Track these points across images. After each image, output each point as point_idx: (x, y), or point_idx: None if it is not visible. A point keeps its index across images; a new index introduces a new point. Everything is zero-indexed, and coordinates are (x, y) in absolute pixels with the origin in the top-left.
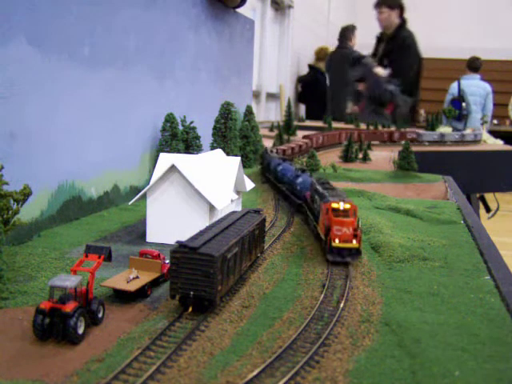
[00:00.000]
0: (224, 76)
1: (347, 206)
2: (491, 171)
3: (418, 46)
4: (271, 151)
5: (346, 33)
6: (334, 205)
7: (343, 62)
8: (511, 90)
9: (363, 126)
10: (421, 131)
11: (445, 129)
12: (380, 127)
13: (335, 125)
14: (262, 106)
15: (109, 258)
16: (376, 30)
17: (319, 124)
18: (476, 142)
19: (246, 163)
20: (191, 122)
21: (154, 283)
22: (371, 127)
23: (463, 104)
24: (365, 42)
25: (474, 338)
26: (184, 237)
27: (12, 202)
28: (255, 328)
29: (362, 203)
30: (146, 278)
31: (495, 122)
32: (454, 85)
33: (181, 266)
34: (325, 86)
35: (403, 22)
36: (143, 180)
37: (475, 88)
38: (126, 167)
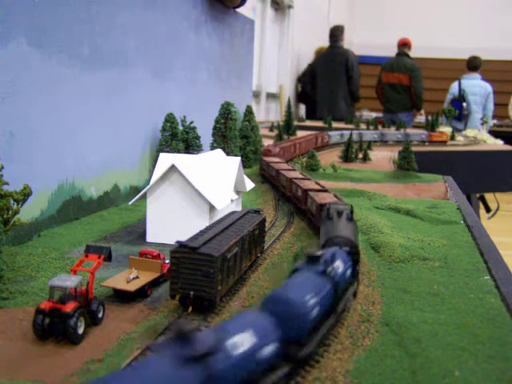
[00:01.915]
0: (224, 76)
1: None
2: (491, 171)
3: None
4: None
5: (337, 32)
6: None
7: (336, 60)
8: (511, 90)
9: (363, 126)
10: (330, 132)
11: (445, 129)
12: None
13: (335, 125)
14: (262, 106)
15: (109, 257)
16: (377, 30)
17: (319, 124)
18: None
19: (245, 163)
20: (191, 122)
21: (154, 283)
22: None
23: (464, 104)
24: (364, 43)
25: (474, 337)
26: (184, 237)
27: (12, 202)
28: None
29: (361, 203)
30: (146, 277)
31: (495, 121)
32: (455, 84)
33: (181, 265)
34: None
35: None
36: (143, 180)
37: (476, 88)
38: (126, 167)
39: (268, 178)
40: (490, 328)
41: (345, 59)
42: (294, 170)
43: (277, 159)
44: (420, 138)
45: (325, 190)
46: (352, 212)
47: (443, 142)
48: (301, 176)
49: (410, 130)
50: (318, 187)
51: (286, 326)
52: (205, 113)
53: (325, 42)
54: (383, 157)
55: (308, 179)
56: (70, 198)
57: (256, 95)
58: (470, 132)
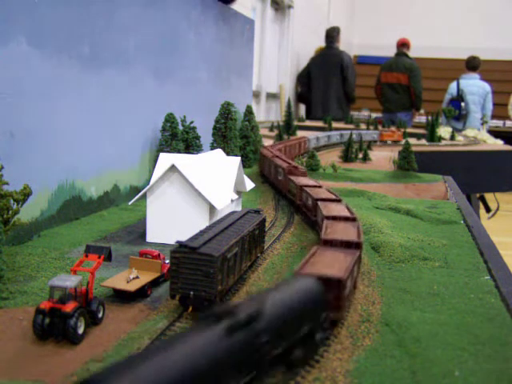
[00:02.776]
0: (224, 76)
1: None
2: (491, 171)
3: None
4: (217, 317)
5: (333, 34)
6: None
7: (331, 61)
8: (511, 90)
9: (363, 126)
10: (309, 136)
11: (445, 129)
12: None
13: (335, 125)
14: (262, 106)
15: (109, 257)
16: (376, 30)
17: (319, 124)
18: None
19: (245, 163)
20: (191, 122)
21: (154, 283)
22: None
23: (462, 104)
24: (364, 43)
25: (474, 338)
26: (184, 237)
27: (12, 201)
28: None
29: (361, 203)
30: (146, 277)
31: (494, 121)
32: (453, 85)
33: (181, 266)
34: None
35: None
36: (143, 180)
37: (474, 87)
38: (126, 167)
39: (297, 205)
40: (490, 328)
41: (340, 60)
42: (338, 200)
43: (312, 181)
44: (371, 137)
45: (357, 245)
46: (254, 318)
47: (396, 142)
48: (347, 214)
49: (362, 131)
50: (353, 239)
51: None
52: (205, 113)
53: (325, 42)
54: (383, 157)
55: (352, 220)
56: (69, 197)
57: (256, 95)
58: (470, 132)
